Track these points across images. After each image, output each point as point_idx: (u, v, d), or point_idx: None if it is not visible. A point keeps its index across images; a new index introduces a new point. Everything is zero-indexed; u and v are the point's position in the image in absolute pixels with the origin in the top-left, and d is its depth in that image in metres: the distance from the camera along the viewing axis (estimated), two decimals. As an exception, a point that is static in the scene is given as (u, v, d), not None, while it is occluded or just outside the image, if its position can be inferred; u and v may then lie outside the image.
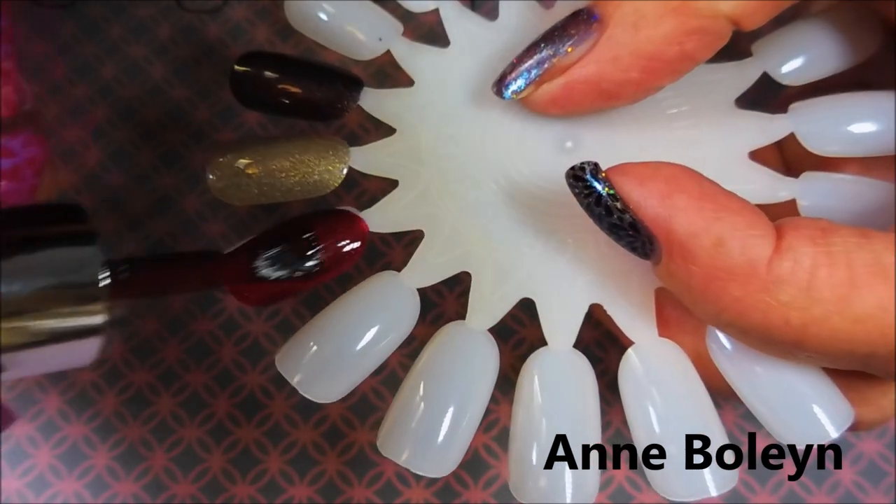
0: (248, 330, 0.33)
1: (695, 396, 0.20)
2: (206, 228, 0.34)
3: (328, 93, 0.23)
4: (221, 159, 0.23)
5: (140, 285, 0.19)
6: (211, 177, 0.22)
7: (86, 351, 0.18)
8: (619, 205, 0.18)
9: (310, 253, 0.21)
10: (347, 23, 0.24)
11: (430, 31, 0.36)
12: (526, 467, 0.20)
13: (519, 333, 0.32)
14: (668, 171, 0.18)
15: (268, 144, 0.23)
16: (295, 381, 0.21)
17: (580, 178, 0.19)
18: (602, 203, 0.18)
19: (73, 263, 0.18)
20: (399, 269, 0.22)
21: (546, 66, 0.20)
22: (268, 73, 0.23)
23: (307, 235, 0.21)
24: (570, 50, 0.20)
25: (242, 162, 0.22)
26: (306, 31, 0.24)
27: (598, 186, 0.18)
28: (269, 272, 0.21)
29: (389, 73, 0.36)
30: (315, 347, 0.21)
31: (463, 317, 0.22)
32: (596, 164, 0.19)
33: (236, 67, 0.23)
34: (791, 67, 0.23)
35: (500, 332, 0.22)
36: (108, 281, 0.18)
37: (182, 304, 0.33)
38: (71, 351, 0.18)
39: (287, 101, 0.23)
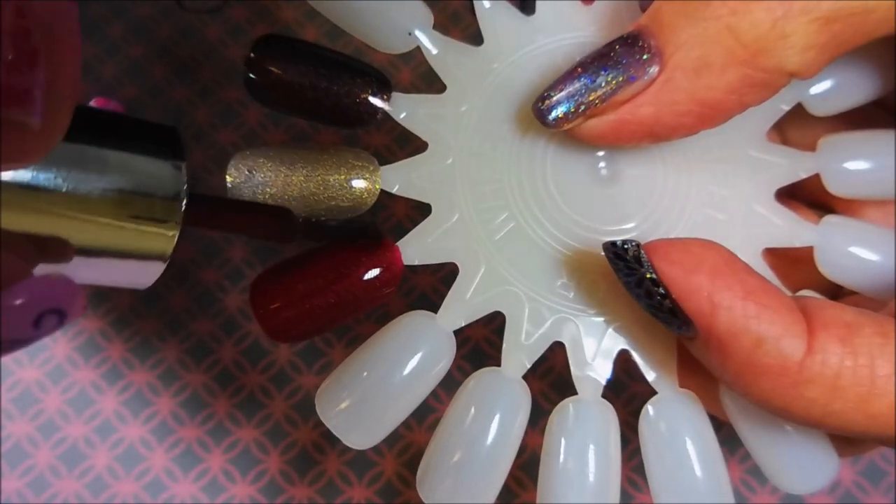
0: (248, 330, 0.33)
1: (707, 455, 0.20)
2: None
3: (351, 90, 0.21)
4: (239, 168, 0.21)
5: (215, 218, 0.19)
6: (230, 186, 0.21)
7: (149, 272, 0.18)
8: (660, 290, 0.18)
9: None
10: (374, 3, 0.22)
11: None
12: None
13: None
14: (713, 263, 0.18)
15: (292, 161, 0.22)
16: (331, 426, 0.21)
17: (622, 257, 0.18)
18: (643, 286, 0.18)
19: (157, 178, 0.17)
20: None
21: (593, 95, 0.20)
22: (285, 62, 0.21)
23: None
24: (615, 82, 0.20)
25: (259, 178, 0.21)
26: (326, 11, 0.22)
27: (641, 270, 0.18)
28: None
29: (390, 74, 0.36)
30: (349, 401, 0.21)
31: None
32: (638, 246, 0.18)
33: (251, 55, 0.21)
34: (825, 97, 0.22)
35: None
36: (186, 202, 0.17)
37: (182, 304, 0.33)
38: (135, 269, 0.17)
39: (305, 96, 0.21)
